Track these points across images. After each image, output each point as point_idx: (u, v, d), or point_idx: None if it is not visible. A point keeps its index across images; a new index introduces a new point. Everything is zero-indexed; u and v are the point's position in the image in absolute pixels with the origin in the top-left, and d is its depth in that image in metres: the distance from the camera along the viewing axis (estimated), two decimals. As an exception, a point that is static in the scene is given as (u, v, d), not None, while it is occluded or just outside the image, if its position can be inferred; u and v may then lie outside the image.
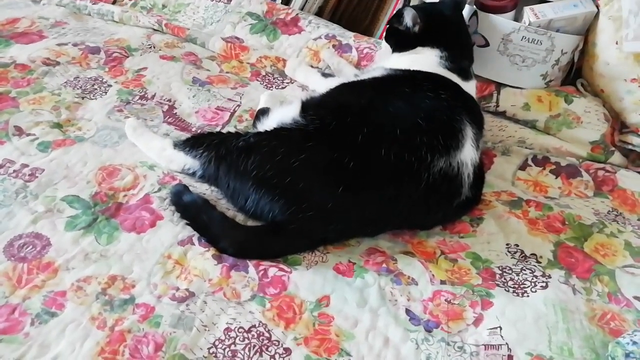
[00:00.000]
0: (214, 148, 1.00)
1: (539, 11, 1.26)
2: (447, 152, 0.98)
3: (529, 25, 1.26)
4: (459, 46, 1.22)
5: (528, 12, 1.27)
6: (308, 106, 1.05)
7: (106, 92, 1.28)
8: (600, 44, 1.28)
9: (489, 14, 1.29)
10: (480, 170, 1.13)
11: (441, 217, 1.04)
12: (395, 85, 1.10)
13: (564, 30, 1.28)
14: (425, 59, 1.17)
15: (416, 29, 1.19)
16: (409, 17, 1.19)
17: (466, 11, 1.31)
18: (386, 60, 1.24)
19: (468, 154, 1.02)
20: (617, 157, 1.29)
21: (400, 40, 1.24)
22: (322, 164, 0.94)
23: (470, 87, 1.19)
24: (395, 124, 0.98)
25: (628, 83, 1.25)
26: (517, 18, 1.31)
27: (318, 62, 1.47)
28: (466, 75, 1.20)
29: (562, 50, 1.30)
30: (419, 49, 1.20)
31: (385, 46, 1.29)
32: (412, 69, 1.13)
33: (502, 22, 1.28)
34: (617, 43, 1.23)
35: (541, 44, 1.27)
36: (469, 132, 1.04)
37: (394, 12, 1.30)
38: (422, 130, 0.98)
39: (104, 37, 1.49)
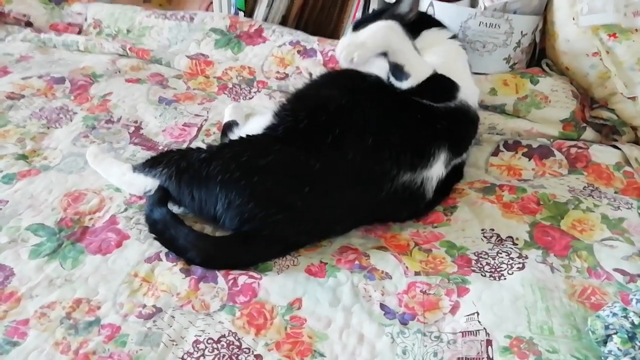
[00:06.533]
0: (174, 163, 0.97)
1: (493, -5, 1.26)
2: (413, 169, 0.97)
3: (484, 10, 1.26)
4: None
5: (482, -3, 1.27)
6: (284, 105, 1.04)
7: (71, 120, 1.28)
8: (558, 21, 1.27)
9: (444, 3, 1.29)
10: (457, 174, 1.12)
11: (407, 216, 1.04)
12: (385, 94, 1.01)
13: (521, 11, 1.28)
14: (441, 41, 1.12)
15: (412, 16, 1.13)
16: (407, 2, 1.11)
17: (423, 2, 1.32)
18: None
19: (435, 172, 1.01)
20: (589, 133, 1.28)
21: None
22: (289, 165, 0.93)
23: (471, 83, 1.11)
24: (368, 133, 0.95)
25: (590, 57, 1.25)
26: (473, 4, 1.31)
27: (284, 67, 1.47)
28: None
29: (521, 32, 1.29)
30: (425, 32, 1.13)
31: None
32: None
33: (458, 9, 1.28)
34: (573, 19, 1.23)
35: (499, 27, 1.27)
36: (441, 157, 1.01)
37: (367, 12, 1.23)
38: (393, 145, 0.95)
39: (69, 66, 1.49)
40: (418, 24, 1.13)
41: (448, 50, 1.12)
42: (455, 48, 1.14)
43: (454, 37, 1.18)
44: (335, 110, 0.98)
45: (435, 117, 1.00)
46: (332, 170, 0.93)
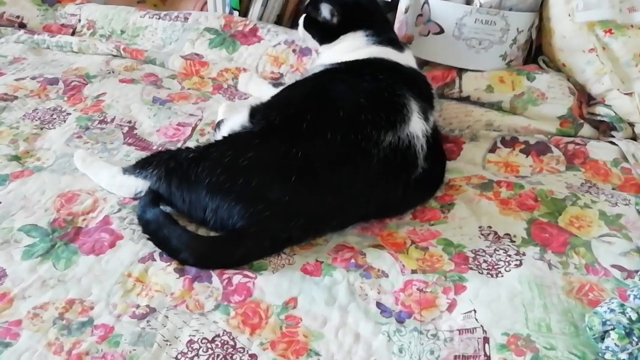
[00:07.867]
0: (163, 164, 0.97)
1: (489, -8, 1.25)
2: (393, 127, 0.98)
3: (480, 7, 1.26)
4: (380, 23, 1.24)
5: (478, -6, 1.27)
6: (256, 111, 1.06)
7: (65, 121, 1.27)
8: (554, 18, 1.27)
9: (440, 0, 1.29)
10: (437, 143, 1.12)
11: (402, 194, 1.01)
12: (335, 75, 1.11)
13: (516, 8, 1.27)
14: (354, 42, 1.19)
15: (335, 20, 1.21)
16: (326, 11, 1.20)
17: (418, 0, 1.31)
18: (320, 57, 1.25)
19: (417, 126, 1.02)
20: (587, 130, 1.28)
21: (321, 32, 1.25)
22: (271, 158, 0.94)
23: (407, 58, 1.19)
24: (337, 107, 0.99)
25: (586, 54, 1.24)
26: (469, 2, 1.30)
27: (279, 66, 1.47)
28: (399, 46, 1.20)
29: (517, 29, 1.29)
30: (342, 37, 1.21)
31: (304, 34, 1.30)
32: (347, 59, 1.13)
33: (454, 6, 1.28)
34: (569, 15, 1.22)
35: (495, 24, 1.27)
36: (413, 106, 1.03)
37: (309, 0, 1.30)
38: (364, 109, 0.98)
39: (62, 67, 1.48)
40: (347, 24, 1.21)
41: (352, 42, 1.20)
42: (359, 40, 1.19)
43: (377, 36, 1.19)
44: (300, 102, 1.04)
45: (384, 72, 1.07)
46: (314, 155, 0.94)
